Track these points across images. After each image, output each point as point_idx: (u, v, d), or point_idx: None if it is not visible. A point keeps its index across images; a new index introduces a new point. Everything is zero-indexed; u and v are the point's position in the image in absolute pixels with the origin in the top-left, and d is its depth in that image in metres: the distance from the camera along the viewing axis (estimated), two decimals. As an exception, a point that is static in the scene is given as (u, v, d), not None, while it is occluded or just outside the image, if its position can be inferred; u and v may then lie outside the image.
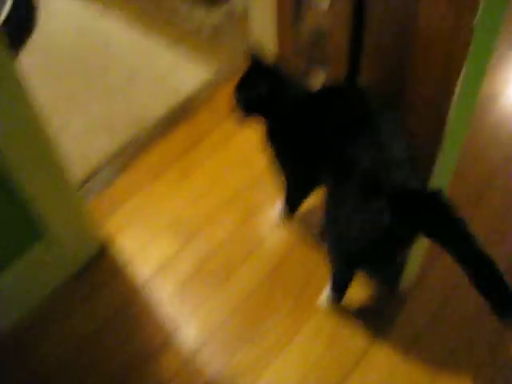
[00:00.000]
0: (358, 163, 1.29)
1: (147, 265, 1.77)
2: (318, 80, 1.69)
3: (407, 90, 1.32)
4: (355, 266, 1.53)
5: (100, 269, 1.76)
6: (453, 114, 1.18)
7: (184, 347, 1.61)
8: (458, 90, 1.13)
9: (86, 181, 1.95)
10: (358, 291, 1.68)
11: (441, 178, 1.32)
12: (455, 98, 1.15)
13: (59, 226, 1.62)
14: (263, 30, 2.10)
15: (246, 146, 1.99)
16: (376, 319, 1.64)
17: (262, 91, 1.48)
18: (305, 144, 1.47)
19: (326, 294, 1.65)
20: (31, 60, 2.35)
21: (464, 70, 1.10)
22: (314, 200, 1.73)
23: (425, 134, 1.30)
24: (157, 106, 2.16)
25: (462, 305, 1.65)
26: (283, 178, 1.66)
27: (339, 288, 1.61)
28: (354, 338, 1.61)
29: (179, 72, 2.27)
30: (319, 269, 1.70)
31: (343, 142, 1.34)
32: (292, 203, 1.78)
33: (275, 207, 1.84)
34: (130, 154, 2.03)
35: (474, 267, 1.15)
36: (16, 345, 1.64)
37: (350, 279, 1.58)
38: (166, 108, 2.15)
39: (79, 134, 2.08)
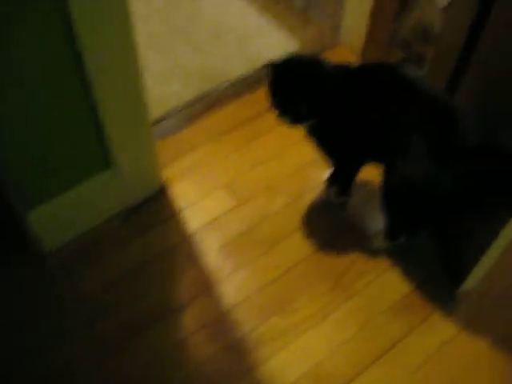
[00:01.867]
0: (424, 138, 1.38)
1: (200, 215, 1.81)
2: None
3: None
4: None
5: (155, 209, 1.82)
6: None
7: (218, 303, 1.65)
8: None
9: (157, 122, 1.99)
10: (407, 284, 1.70)
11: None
12: None
13: (128, 158, 1.67)
14: (358, 12, 2.10)
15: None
16: (418, 312, 1.66)
17: (319, 92, 1.42)
18: (358, 128, 1.50)
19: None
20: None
21: None
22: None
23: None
24: (236, 65, 2.18)
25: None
26: (332, 161, 1.72)
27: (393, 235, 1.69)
28: (390, 325, 1.63)
29: (264, 37, 2.28)
30: (363, 256, 1.74)
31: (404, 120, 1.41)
32: (343, 184, 1.80)
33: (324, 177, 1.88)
34: (203, 106, 2.06)
35: None
36: (59, 266, 1.70)
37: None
38: (245, 69, 2.17)
39: (158, 75, 2.12)
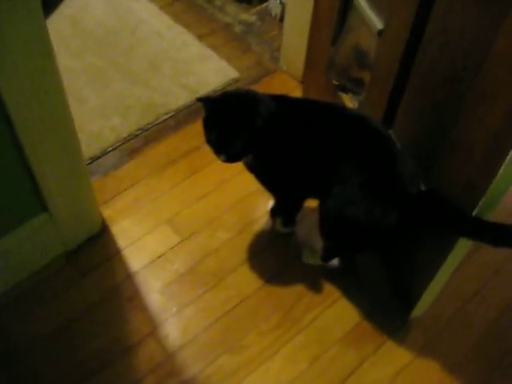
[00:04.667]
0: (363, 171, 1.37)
1: (142, 253, 1.76)
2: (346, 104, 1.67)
3: (454, 130, 1.28)
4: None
5: (97, 249, 1.76)
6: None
7: (165, 345, 1.59)
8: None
9: (94, 159, 1.93)
10: (357, 313, 1.68)
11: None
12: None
13: (64, 200, 1.61)
14: (296, 40, 2.09)
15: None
16: (370, 341, 1.63)
17: (256, 127, 1.37)
18: (299, 160, 1.47)
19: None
20: (58, 27, 2.33)
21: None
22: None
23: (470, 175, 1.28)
24: (175, 96, 2.14)
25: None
26: (275, 196, 1.70)
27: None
28: (342, 357, 1.59)
29: (204, 65, 2.25)
30: (312, 288, 1.70)
31: (346, 153, 1.39)
32: (287, 215, 1.77)
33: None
34: (143, 140, 2.02)
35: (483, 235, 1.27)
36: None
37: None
38: (185, 100, 2.13)
39: (96, 110, 2.06)
